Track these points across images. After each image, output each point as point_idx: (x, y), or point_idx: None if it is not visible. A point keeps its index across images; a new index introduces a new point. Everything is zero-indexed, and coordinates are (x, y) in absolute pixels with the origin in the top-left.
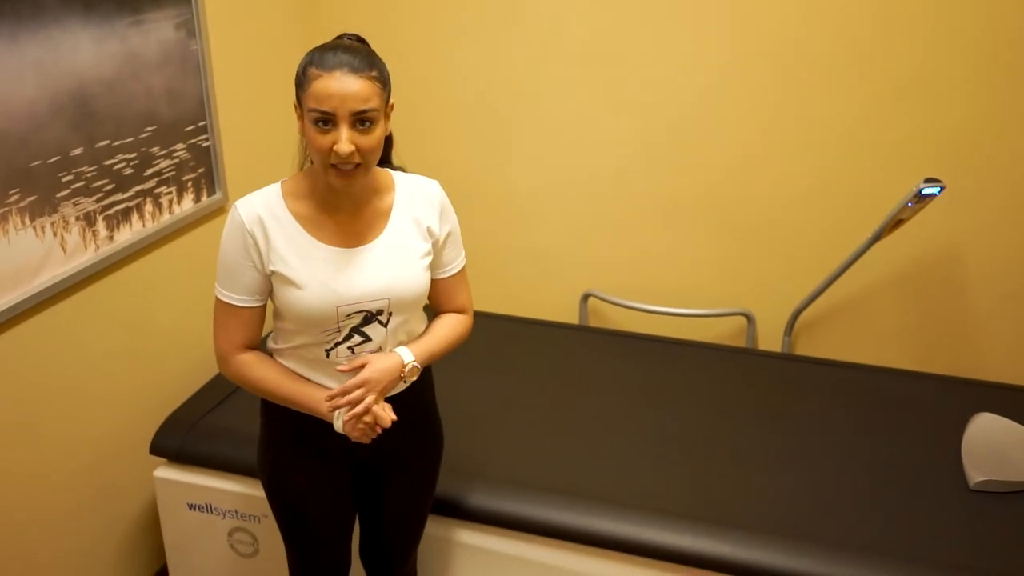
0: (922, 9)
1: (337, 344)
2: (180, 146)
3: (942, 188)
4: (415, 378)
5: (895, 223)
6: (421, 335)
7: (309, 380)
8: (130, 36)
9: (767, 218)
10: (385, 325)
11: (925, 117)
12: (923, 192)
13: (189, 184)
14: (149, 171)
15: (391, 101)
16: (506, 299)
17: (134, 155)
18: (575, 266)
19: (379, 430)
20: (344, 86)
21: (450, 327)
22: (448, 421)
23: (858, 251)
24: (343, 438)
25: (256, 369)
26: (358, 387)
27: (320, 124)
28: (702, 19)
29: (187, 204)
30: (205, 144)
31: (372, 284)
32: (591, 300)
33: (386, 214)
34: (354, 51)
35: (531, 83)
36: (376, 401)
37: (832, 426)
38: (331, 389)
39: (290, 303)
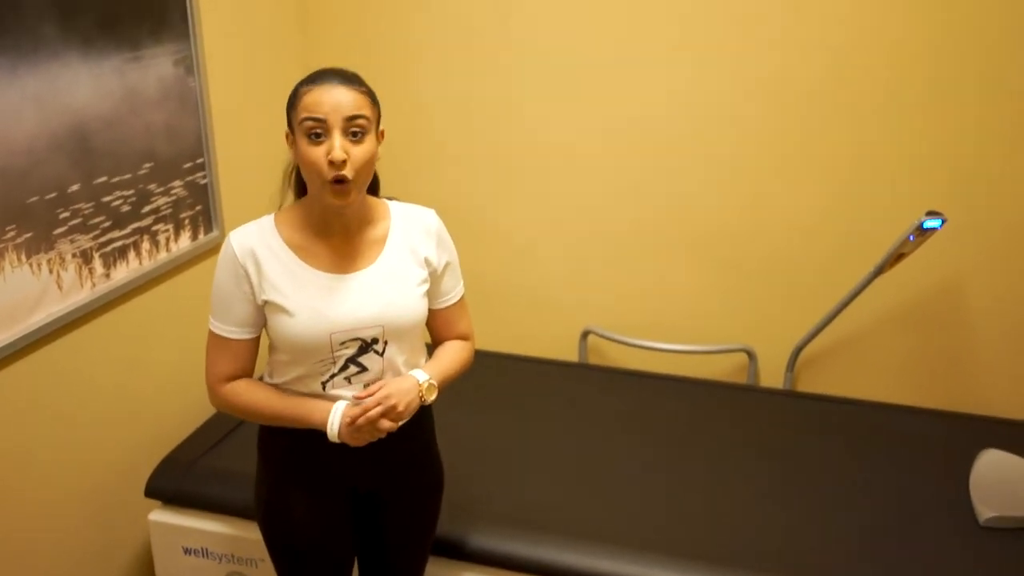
0: (922, 47)
1: (333, 376)
2: (178, 183)
3: (943, 221)
4: (434, 397)
5: (897, 257)
6: (428, 361)
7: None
8: (129, 72)
9: (767, 253)
10: (381, 354)
11: (925, 152)
12: (925, 225)
13: (186, 222)
14: (147, 208)
15: (381, 128)
16: (505, 337)
17: (132, 192)
18: (574, 303)
19: (378, 435)
20: (335, 94)
21: (456, 351)
22: (448, 460)
23: (860, 285)
24: (342, 472)
25: (244, 392)
26: (377, 404)
27: (312, 136)
28: (700, 56)
29: (184, 242)
30: (203, 182)
31: (365, 310)
32: (591, 337)
33: (381, 241)
34: (343, 70)
35: (528, 120)
36: (396, 420)
37: (837, 463)
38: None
39: (283, 331)
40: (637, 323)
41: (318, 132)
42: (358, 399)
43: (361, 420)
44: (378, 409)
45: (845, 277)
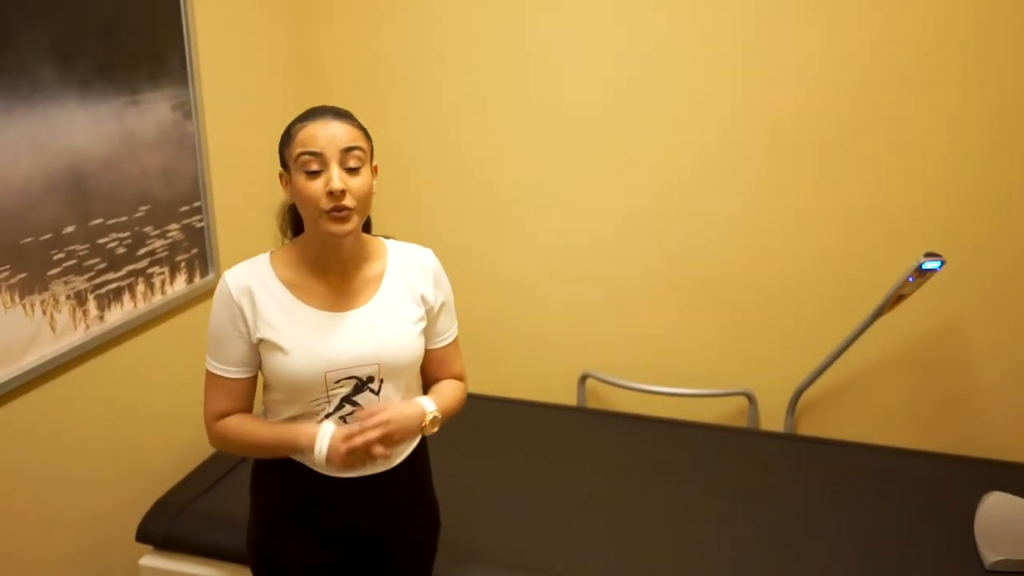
0: (922, 88)
1: (328, 415)
2: (174, 226)
3: (943, 263)
4: (435, 430)
5: (896, 299)
6: (431, 393)
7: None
8: (127, 116)
9: (767, 296)
10: (377, 393)
11: (925, 194)
12: (924, 267)
13: (182, 264)
14: (142, 251)
15: (375, 163)
16: (503, 381)
17: (127, 234)
18: (572, 347)
19: (368, 461)
20: (330, 128)
21: (454, 389)
22: (445, 505)
23: (860, 327)
24: (337, 514)
25: (236, 426)
26: (377, 425)
27: (309, 172)
28: (701, 99)
29: (179, 285)
30: (199, 225)
31: (360, 348)
32: (589, 381)
33: (377, 279)
34: (335, 107)
35: (526, 163)
36: (389, 446)
37: (839, 507)
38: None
39: (277, 369)
40: (636, 367)
41: (315, 167)
42: (360, 416)
43: (358, 440)
44: (377, 432)
45: (845, 320)
